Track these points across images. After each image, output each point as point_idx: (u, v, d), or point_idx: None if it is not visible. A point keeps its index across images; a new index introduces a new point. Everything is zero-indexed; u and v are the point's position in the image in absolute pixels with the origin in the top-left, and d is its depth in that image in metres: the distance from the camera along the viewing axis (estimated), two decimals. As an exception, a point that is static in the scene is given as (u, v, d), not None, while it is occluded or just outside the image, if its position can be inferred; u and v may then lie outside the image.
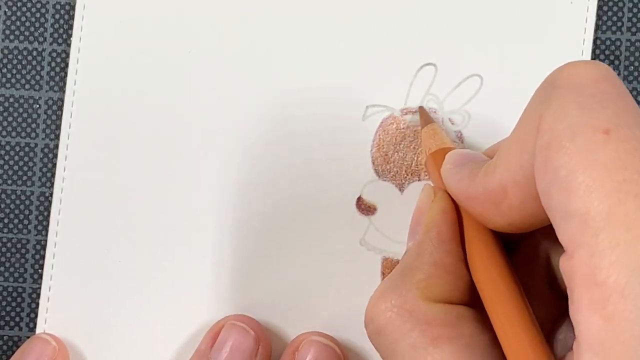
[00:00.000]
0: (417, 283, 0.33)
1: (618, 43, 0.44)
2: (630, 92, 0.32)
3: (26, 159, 0.44)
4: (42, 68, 0.44)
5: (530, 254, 0.35)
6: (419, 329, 0.32)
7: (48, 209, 0.44)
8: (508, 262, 0.33)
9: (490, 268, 0.33)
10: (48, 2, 0.44)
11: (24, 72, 0.44)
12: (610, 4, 0.44)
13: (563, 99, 0.30)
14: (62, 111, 0.44)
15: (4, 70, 0.44)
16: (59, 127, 0.44)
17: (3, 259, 0.44)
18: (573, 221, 0.28)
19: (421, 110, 0.43)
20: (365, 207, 0.44)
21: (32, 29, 0.44)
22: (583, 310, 0.28)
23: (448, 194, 0.35)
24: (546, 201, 0.29)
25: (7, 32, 0.44)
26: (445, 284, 0.33)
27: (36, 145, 0.44)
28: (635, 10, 0.44)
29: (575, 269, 0.28)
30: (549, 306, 0.33)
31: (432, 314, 0.32)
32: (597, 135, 0.28)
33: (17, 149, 0.44)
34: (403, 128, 0.44)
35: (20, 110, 0.44)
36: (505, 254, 0.33)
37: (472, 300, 0.33)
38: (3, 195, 0.44)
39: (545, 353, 0.30)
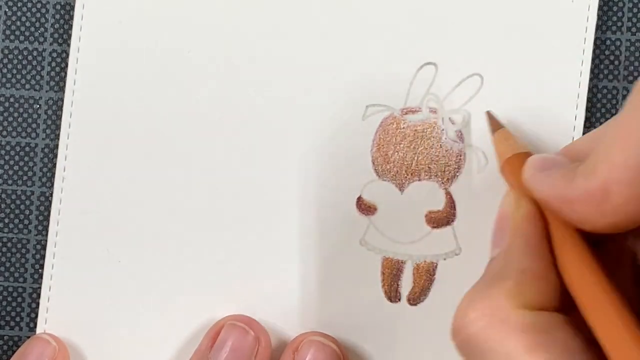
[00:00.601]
0: (508, 291, 0.32)
1: (618, 43, 0.44)
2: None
3: (26, 159, 0.44)
4: (42, 68, 0.44)
5: (616, 253, 0.34)
6: (513, 338, 0.31)
7: (48, 209, 0.44)
8: (599, 264, 0.33)
9: (584, 272, 0.32)
10: (48, 2, 0.44)
11: (24, 72, 0.44)
12: (611, 4, 0.44)
13: None
14: (62, 111, 0.44)
15: (4, 70, 0.44)
16: (59, 127, 0.44)
17: (3, 259, 0.44)
18: None
19: (489, 115, 0.42)
20: (365, 207, 0.44)
21: (32, 29, 0.44)
22: None
23: (532, 199, 0.35)
24: None
25: (7, 32, 0.44)
26: (536, 291, 0.32)
27: (36, 145, 0.44)
28: (635, 10, 0.44)
29: None
30: (636, 305, 0.33)
31: (526, 322, 0.31)
32: None
33: (17, 149, 0.44)
34: (403, 128, 0.44)
35: (21, 110, 0.44)
36: (596, 256, 0.33)
37: (562, 306, 0.33)
38: (3, 195, 0.44)
39: None
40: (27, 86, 0.44)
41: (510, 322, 0.31)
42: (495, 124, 0.42)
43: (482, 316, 0.32)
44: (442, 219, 0.43)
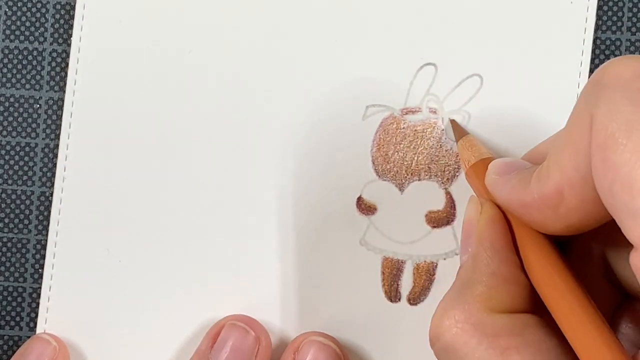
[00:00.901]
0: (479, 296, 0.33)
1: (618, 43, 0.44)
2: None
3: (26, 159, 0.44)
4: (42, 68, 0.44)
5: (584, 251, 0.35)
6: (486, 342, 0.31)
7: (48, 209, 0.44)
8: (566, 263, 0.33)
9: (550, 272, 0.32)
10: (48, 2, 0.44)
11: (24, 72, 0.44)
12: (610, 4, 0.44)
13: (613, 96, 0.29)
14: (62, 111, 0.44)
15: (4, 70, 0.44)
16: (59, 127, 0.44)
17: (3, 259, 0.44)
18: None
19: (453, 123, 0.43)
20: (365, 207, 0.44)
21: (32, 29, 0.44)
22: None
23: (494, 203, 0.35)
24: (609, 201, 0.29)
25: (8, 32, 0.44)
26: (506, 294, 0.33)
27: (36, 145, 0.44)
28: (635, 10, 0.44)
29: None
30: (608, 301, 0.33)
31: (498, 325, 0.32)
32: None
33: (18, 149, 0.44)
34: (403, 128, 0.44)
35: (21, 110, 0.44)
36: (561, 255, 0.33)
37: (534, 307, 0.33)
38: (3, 195, 0.44)
39: (621, 352, 0.30)
40: (27, 86, 0.44)
41: (482, 327, 0.32)
42: (459, 132, 0.42)
43: (456, 323, 0.32)
44: (442, 219, 0.43)
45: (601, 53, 0.44)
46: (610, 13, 0.44)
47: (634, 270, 0.29)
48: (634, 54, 0.44)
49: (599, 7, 0.44)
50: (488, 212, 0.35)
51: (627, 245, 0.31)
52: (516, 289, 0.33)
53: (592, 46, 0.44)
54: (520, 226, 0.34)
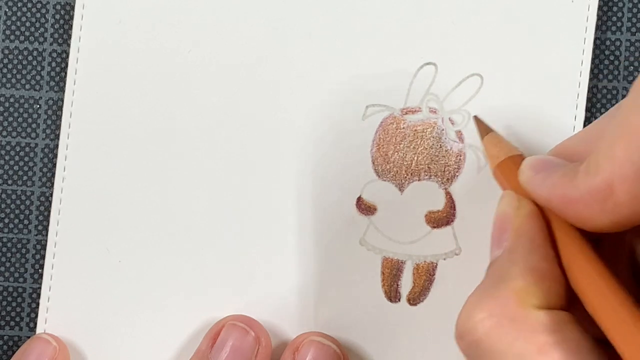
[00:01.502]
0: (517, 290, 0.32)
1: (618, 43, 0.44)
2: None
3: (26, 159, 0.44)
4: (42, 68, 0.44)
5: (614, 249, 0.34)
6: (523, 338, 0.31)
7: (48, 209, 0.44)
8: (602, 261, 0.32)
9: (589, 270, 0.32)
10: (48, 2, 0.44)
11: (24, 72, 0.44)
12: (611, 3, 0.44)
13: None
14: (62, 111, 0.44)
15: (4, 70, 0.44)
16: (59, 127, 0.44)
17: (3, 259, 0.44)
18: None
19: (476, 119, 0.42)
20: (365, 207, 0.44)
21: (32, 29, 0.44)
22: None
23: (532, 200, 0.35)
24: None
25: (8, 32, 0.44)
26: (543, 290, 0.32)
27: (36, 145, 0.44)
28: (635, 10, 0.44)
29: None
30: (636, 299, 0.33)
31: (536, 321, 0.31)
32: None
33: (17, 149, 0.44)
34: (403, 128, 0.44)
35: (21, 110, 0.44)
36: (598, 254, 0.33)
37: (569, 305, 0.33)
38: (3, 195, 0.44)
39: None
40: (27, 86, 0.44)
41: (520, 322, 0.31)
42: (484, 128, 0.42)
43: (491, 317, 0.31)
44: (442, 219, 0.43)
45: (601, 53, 0.44)
46: (610, 13, 0.44)
47: None
48: (634, 54, 0.44)
49: (600, 7, 0.44)
50: (527, 207, 0.35)
51: None
52: (554, 285, 0.32)
53: (593, 46, 0.44)
54: (557, 223, 0.34)
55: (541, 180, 0.34)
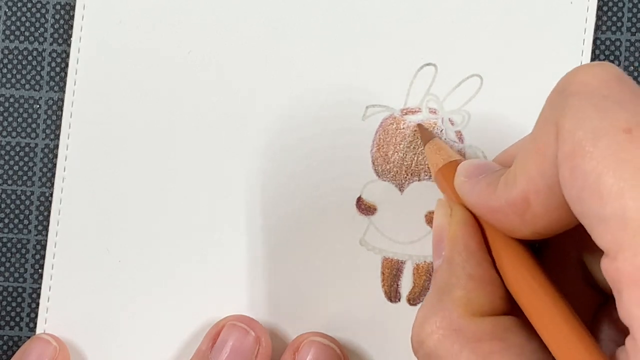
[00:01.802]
0: (458, 300, 0.32)
1: (618, 43, 0.44)
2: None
3: (26, 159, 0.44)
4: (42, 68, 0.44)
5: (561, 255, 0.34)
6: (469, 348, 0.31)
7: (48, 209, 0.44)
8: (540, 266, 0.33)
9: (522, 273, 0.32)
10: (48, 2, 0.44)
11: (24, 72, 0.44)
12: (610, 4, 0.44)
13: (578, 104, 0.30)
14: (62, 111, 0.44)
15: (4, 70, 0.44)
16: (59, 127, 0.44)
17: (3, 259, 0.44)
18: (610, 224, 0.28)
19: (420, 127, 0.43)
20: (365, 207, 0.44)
21: (32, 29, 0.44)
22: (635, 309, 0.27)
23: (464, 206, 0.35)
24: (577, 208, 0.29)
25: (7, 32, 0.44)
26: (485, 296, 0.33)
27: (36, 145, 0.44)
28: (635, 10, 0.44)
29: (620, 270, 0.28)
30: (588, 303, 0.33)
31: (480, 330, 0.32)
32: (619, 136, 0.28)
33: (17, 149, 0.44)
34: (403, 128, 0.44)
35: (21, 110, 0.44)
36: (535, 258, 0.33)
37: (512, 308, 0.33)
38: (3, 195, 0.44)
39: (596, 349, 0.30)
40: (27, 86, 0.44)
41: (465, 332, 0.32)
42: (427, 135, 0.42)
43: (437, 329, 0.32)
44: (442, 219, 0.43)
45: (601, 53, 0.44)
46: (610, 13, 0.44)
47: (605, 277, 0.29)
48: (634, 54, 0.44)
49: (599, 7, 0.44)
50: (459, 214, 0.35)
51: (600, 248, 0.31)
52: (494, 290, 0.33)
53: (592, 46, 0.44)
54: (491, 228, 0.34)
55: (470, 187, 0.35)
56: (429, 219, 0.43)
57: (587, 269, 0.34)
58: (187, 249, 0.44)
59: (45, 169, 0.44)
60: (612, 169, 0.28)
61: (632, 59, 0.44)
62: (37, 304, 0.44)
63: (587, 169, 0.28)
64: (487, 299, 0.33)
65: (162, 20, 0.44)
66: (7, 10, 0.44)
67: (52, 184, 0.44)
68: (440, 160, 0.39)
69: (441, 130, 0.44)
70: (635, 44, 0.44)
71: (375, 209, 0.44)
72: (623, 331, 0.29)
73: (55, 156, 0.44)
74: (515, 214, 0.32)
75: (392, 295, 0.43)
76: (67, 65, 0.44)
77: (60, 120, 0.44)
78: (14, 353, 0.43)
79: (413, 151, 0.44)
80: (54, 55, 0.44)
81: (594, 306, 0.34)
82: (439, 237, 0.35)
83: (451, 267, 0.34)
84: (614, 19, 0.44)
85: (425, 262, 0.43)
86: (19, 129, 0.44)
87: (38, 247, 0.44)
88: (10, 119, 0.44)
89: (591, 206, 0.28)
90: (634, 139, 0.28)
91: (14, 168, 0.44)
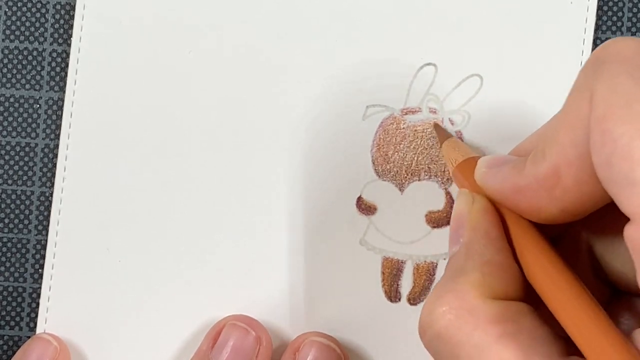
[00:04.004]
0: (474, 282, 0.32)
1: (618, 43, 0.44)
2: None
3: (26, 159, 0.44)
4: (42, 68, 0.44)
5: (572, 248, 0.35)
6: (482, 328, 0.31)
7: (48, 209, 0.44)
8: (558, 254, 0.33)
9: (543, 261, 0.33)
10: (48, 2, 0.44)
11: (24, 72, 0.44)
12: (610, 4, 0.44)
13: (613, 70, 0.30)
14: (62, 111, 0.44)
15: (4, 70, 0.44)
16: (59, 127, 0.44)
17: (3, 259, 0.44)
18: (638, 188, 0.28)
19: (436, 126, 0.43)
20: (365, 207, 0.44)
21: (32, 29, 0.44)
22: None
23: (485, 196, 0.35)
24: (606, 173, 0.29)
25: (7, 32, 0.44)
26: (501, 281, 0.33)
27: (36, 145, 0.44)
28: (635, 10, 0.44)
29: None
30: (598, 297, 0.33)
31: (493, 312, 0.32)
32: None
33: (17, 149, 0.44)
34: (403, 128, 0.44)
35: (21, 110, 0.44)
36: (553, 247, 0.33)
37: (526, 296, 0.33)
38: (3, 195, 0.44)
39: (618, 335, 0.30)
40: (27, 86, 0.44)
41: (478, 313, 0.32)
42: (443, 135, 0.42)
43: (450, 309, 0.32)
44: (442, 219, 0.44)
45: (601, 53, 0.44)
46: (610, 13, 0.44)
47: (628, 245, 0.29)
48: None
49: (599, 7, 0.44)
50: (480, 202, 0.35)
51: (614, 238, 0.30)
52: (510, 277, 0.33)
53: (592, 46, 0.44)
54: (511, 217, 0.34)
55: (493, 175, 0.35)
56: (429, 218, 0.43)
57: (598, 263, 0.34)
58: (187, 248, 0.44)
59: (45, 169, 0.44)
60: None
61: (632, 59, 0.44)
62: (37, 304, 0.44)
63: (618, 133, 0.29)
64: (503, 284, 0.33)
65: (162, 20, 0.44)
66: (7, 10, 0.44)
67: (52, 184, 0.44)
68: (460, 157, 0.39)
69: (441, 130, 0.44)
70: (635, 44, 0.44)
71: (375, 209, 0.44)
72: (636, 324, 0.29)
73: (55, 156, 0.44)
74: (545, 189, 0.32)
75: (392, 295, 0.43)
76: (67, 65, 0.44)
77: (60, 120, 0.44)
78: (14, 353, 0.43)
79: (413, 151, 0.44)
80: (54, 55, 0.44)
81: (603, 301, 0.34)
82: (458, 223, 0.35)
83: (469, 252, 0.34)
84: (614, 19, 0.44)
85: (425, 262, 0.43)
86: (19, 129, 0.44)
87: (38, 247, 0.44)
88: (10, 118, 0.44)
89: (621, 170, 0.28)
90: None
91: (14, 168, 0.44)
